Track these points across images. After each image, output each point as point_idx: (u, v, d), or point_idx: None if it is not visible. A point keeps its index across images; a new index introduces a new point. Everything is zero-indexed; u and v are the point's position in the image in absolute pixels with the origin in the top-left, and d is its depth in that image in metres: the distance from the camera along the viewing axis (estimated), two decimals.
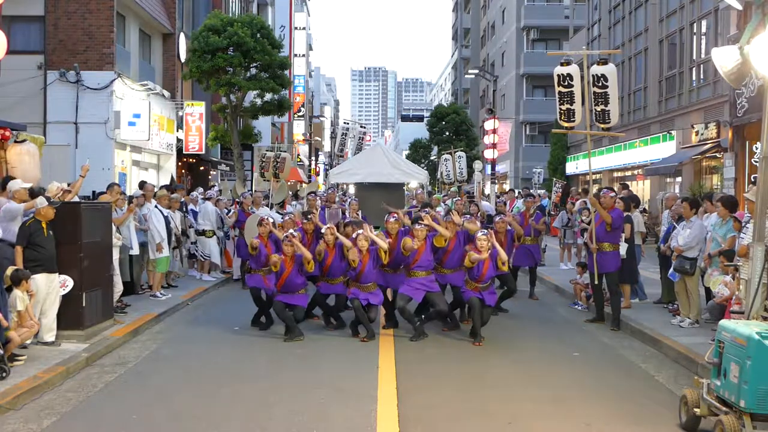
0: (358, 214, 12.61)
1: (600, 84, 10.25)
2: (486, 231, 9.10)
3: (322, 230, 9.42)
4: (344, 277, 9.42)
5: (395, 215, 9.80)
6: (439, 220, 9.75)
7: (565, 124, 10.84)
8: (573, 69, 10.55)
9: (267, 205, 14.64)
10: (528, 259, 12.48)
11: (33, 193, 8.52)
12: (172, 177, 22.69)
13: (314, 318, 10.01)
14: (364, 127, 72.13)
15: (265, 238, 9.51)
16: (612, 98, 10.31)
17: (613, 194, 10.31)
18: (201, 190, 16.25)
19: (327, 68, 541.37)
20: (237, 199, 15.57)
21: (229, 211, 15.05)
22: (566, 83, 10.56)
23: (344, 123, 63.02)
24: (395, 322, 9.66)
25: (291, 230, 9.35)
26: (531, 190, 23.43)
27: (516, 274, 12.41)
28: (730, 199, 9.66)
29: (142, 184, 13.07)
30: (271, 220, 9.81)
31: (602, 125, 10.66)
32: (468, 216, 10.61)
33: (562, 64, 10.61)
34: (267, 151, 19.29)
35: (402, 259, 9.19)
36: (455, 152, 26.67)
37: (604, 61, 10.40)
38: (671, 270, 10.02)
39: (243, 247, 12.91)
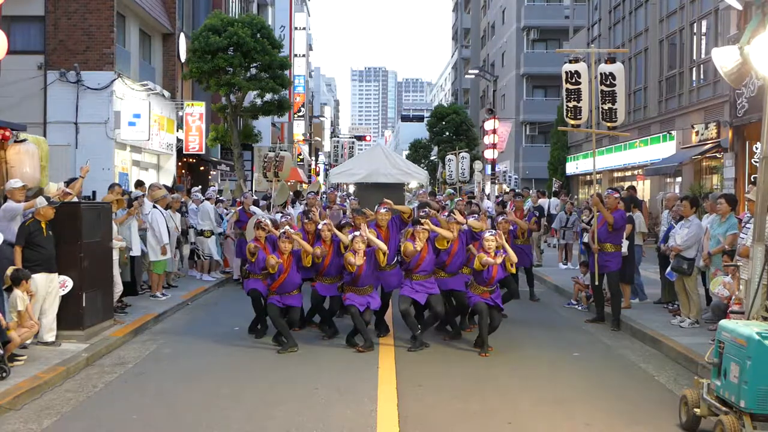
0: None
1: (608, 82, 10.25)
2: (494, 231, 8.64)
3: (319, 226, 9.03)
4: (339, 279, 8.97)
5: (386, 206, 9.32)
6: (439, 219, 9.25)
7: (572, 122, 10.83)
8: (581, 66, 10.54)
9: (268, 206, 14.61)
10: (522, 260, 12.37)
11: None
12: (174, 178, 22.68)
13: (312, 326, 9.81)
14: (348, 135, 73.27)
15: (263, 241, 9.00)
16: (619, 97, 10.31)
17: (617, 195, 10.31)
18: (199, 189, 16.18)
19: (327, 68, 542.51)
20: (239, 199, 15.56)
21: (229, 211, 15.04)
22: (574, 80, 10.56)
23: (335, 139, 64.09)
24: (386, 328, 9.30)
25: (288, 227, 8.90)
26: (519, 190, 23.43)
27: (517, 276, 12.38)
28: (732, 196, 9.68)
29: (139, 184, 13.04)
30: (269, 222, 9.31)
31: (609, 124, 10.66)
32: (476, 216, 10.33)
33: (570, 61, 10.60)
34: (269, 151, 19.32)
35: (392, 257, 8.88)
36: (459, 153, 26.69)
37: (612, 60, 10.40)
38: (668, 269, 10.03)
39: (244, 247, 12.88)
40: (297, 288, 8.81)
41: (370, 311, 8.68)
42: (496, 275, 8.38)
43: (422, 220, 8.74)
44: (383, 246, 8.51)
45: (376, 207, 9.55)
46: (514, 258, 8.36)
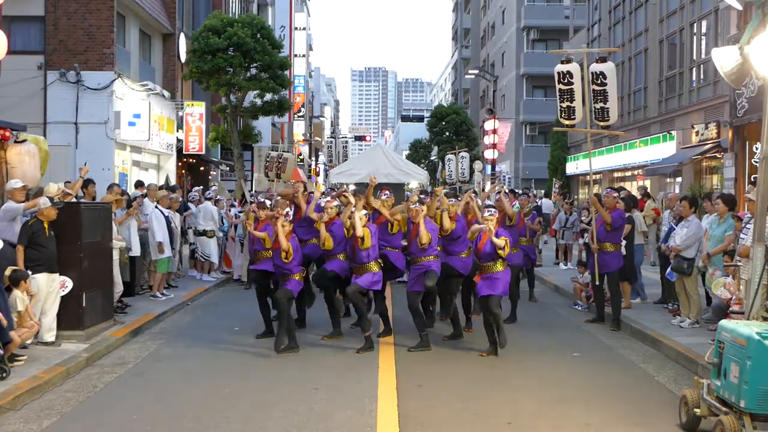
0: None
1: (599, 81, 10.27)
2: (493, 210, 8.71)
3: (322, 204, 9.08)
4: (344, 255, 8.94)
5: (387, 191, 9.54)
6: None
7: (566, 122, 10.85)
8: (573, 66, 10.57)
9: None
10: (525, 261, 12.36)
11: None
12: (167, 177, 22.61)
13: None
14: (345, 137, 73.43)
15: (262, 219, 9.12)
16: (611, 96, 10.32)
17: (615, 195, 10.33)
18: (199, 189, 16.14)
19: (327, 68, 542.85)
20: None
21: (231, 210, 15.01)
22: (566, 81, 10.58)
23: (328, 140, 64.34)
24: (388, 329, 9.29)
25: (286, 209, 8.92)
26: (519, 190, 23.37)
27: (518, 275, 12.36)
28: (729, 196, 9.68)
29: (139, 184, 13.01)
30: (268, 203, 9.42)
31: (601, 123, 10.67)
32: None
33: (562, 62, 10.63)
34: (271, 150, 19.26)
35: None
36: (458, 152, 26.64)
37: (603, 59, 10.42)
38: (668, 270, 10.04)
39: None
40: (295, 273, 8.61)
41: (367, 297, 8.73)
42: (483, 245, 8.29)
43: (424, 200, 9.01)
44: (360, 231, 8.33)
45: (379, 192, 9.67)
46: (499, 243, 8.16)
